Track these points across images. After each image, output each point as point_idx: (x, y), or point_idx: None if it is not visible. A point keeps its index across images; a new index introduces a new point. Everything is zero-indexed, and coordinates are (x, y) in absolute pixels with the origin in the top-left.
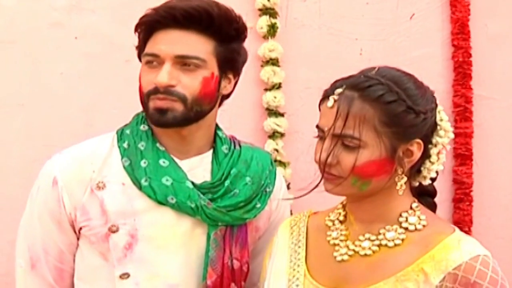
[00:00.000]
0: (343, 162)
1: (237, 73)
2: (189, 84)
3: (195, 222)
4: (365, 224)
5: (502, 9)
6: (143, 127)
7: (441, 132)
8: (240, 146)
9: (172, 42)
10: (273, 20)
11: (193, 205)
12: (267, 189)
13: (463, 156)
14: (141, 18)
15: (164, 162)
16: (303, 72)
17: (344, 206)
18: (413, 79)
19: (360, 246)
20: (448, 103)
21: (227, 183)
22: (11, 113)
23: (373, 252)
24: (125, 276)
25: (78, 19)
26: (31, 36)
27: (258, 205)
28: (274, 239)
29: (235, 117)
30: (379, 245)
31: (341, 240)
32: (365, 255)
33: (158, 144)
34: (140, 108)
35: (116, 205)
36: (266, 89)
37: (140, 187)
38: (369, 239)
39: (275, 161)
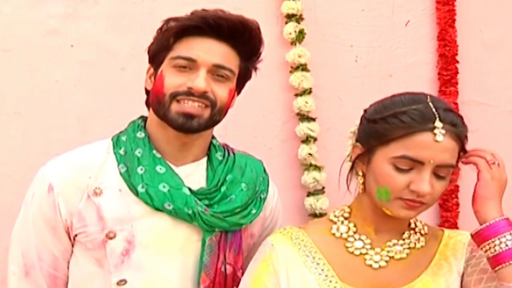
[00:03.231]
0: (436, 190)
1: (240, 92)
2: (220, 93)
3: (191, 228)
4: (383, 233)
5: (497, 16)
6: (140, 134)
7: None
8: (233, 153)
9: (210, 50)
10: (301, 26)
11: (190, 212)
12: (262, 196)
13: None
14: (179, 21)
15: (160, 169)
16: None
17: (346, 219)
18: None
19: (393, 251)
20: None
21: (223, 189)
22: (7, 121)
23: (407, 255)
24: (122, 282)
25: (74, 27)
26: (27, 44)
27: (254, 211)
28: (272, 256)
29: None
30: (409, 248)
31: (368, 249)
32: (401, 258)
33: (154, 151)
34: (134, 115)
35: (113, 211)
36: (296, 95)
37: (137, 194)
38: (397, 244)
39: (310, 165)
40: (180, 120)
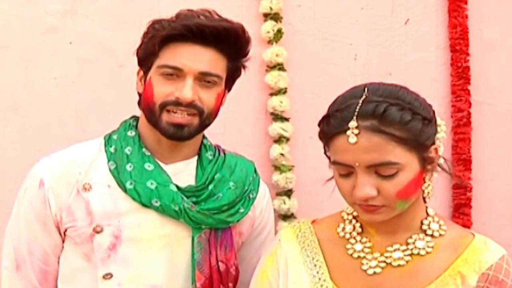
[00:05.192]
0: (385, 191)
1: (230, 89)
2: (206, 100)
3: (179, 225)
4: (387, 235)
5: (497, 15)
6: (131, 133)
7: (438, 128)
8: (224, 153)
9: (195, 58)
10: (279, 25)
11: (176, 208)
12: (251, 195)
13: (464, 161)
14: (162, 26)
15: (149, 166)
16: (297, 77)
17: (355, 218)
18: (407, 90)
19: (391, 257)
20: (443, 108)
21: (211, 187)
22: (5, 118)
23: (406, 262)
24: (108, 276)
25: (72, 24)
26: (25, 41)
27: (242, 210)
28: (277, 251)
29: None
30: (411, 255)
31: (366, 253)
32: (399, 265)
33: (144, 149)
34: (132, 113)
35: (101, 206)
36: (271, 94)
37: (125, 190)
38: (399, 249)
39: (281, 165)
40: (171, 130)
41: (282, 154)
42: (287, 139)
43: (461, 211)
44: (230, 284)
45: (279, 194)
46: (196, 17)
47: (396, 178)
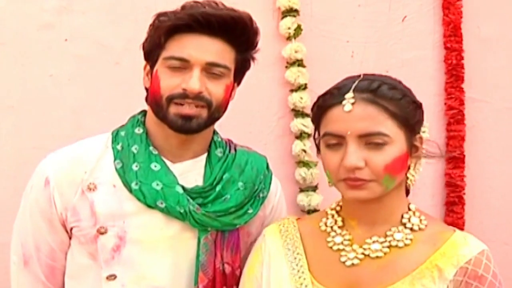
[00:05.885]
0: (373, 163)
1: (240, 82)
2: (214, 91)
3: (184, 226)
4: (368, 227)
5: (494, 12)
6: (138, 130)
7: (422, 128)
8: (235, 150)
9: (202, 48)
10: (298, 21)
11: (182, 210)
12: (261, 194)
13: (456, 159)
14: (168, 17)
15: (155, 166)
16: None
17: (338, 212)
18: (397, 80)
19: (369, 249)
20: (439, 105)
21: (218, 188)
22: (1, 115)
23: (384, 254)
24: (111, 277)
25: (68, 21)
26: (21, 37)
27: (250, 211)
28: (262, 246)
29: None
30: (389, 247)
31: (345, 245)
32: (377, 257)
33: (151, 148)
34: (129, 110)
35: (106, 207)
36: (291, 90)
37: (130, 190)
38: (377, 241)
39: (303, 161)
40: (179, 122)
41: (304, 150)
42: (309, 135)
43: (451, 209)
44: (234, 287)
45: (304, 190)
46: (202, 7)
47: (384, 150)
